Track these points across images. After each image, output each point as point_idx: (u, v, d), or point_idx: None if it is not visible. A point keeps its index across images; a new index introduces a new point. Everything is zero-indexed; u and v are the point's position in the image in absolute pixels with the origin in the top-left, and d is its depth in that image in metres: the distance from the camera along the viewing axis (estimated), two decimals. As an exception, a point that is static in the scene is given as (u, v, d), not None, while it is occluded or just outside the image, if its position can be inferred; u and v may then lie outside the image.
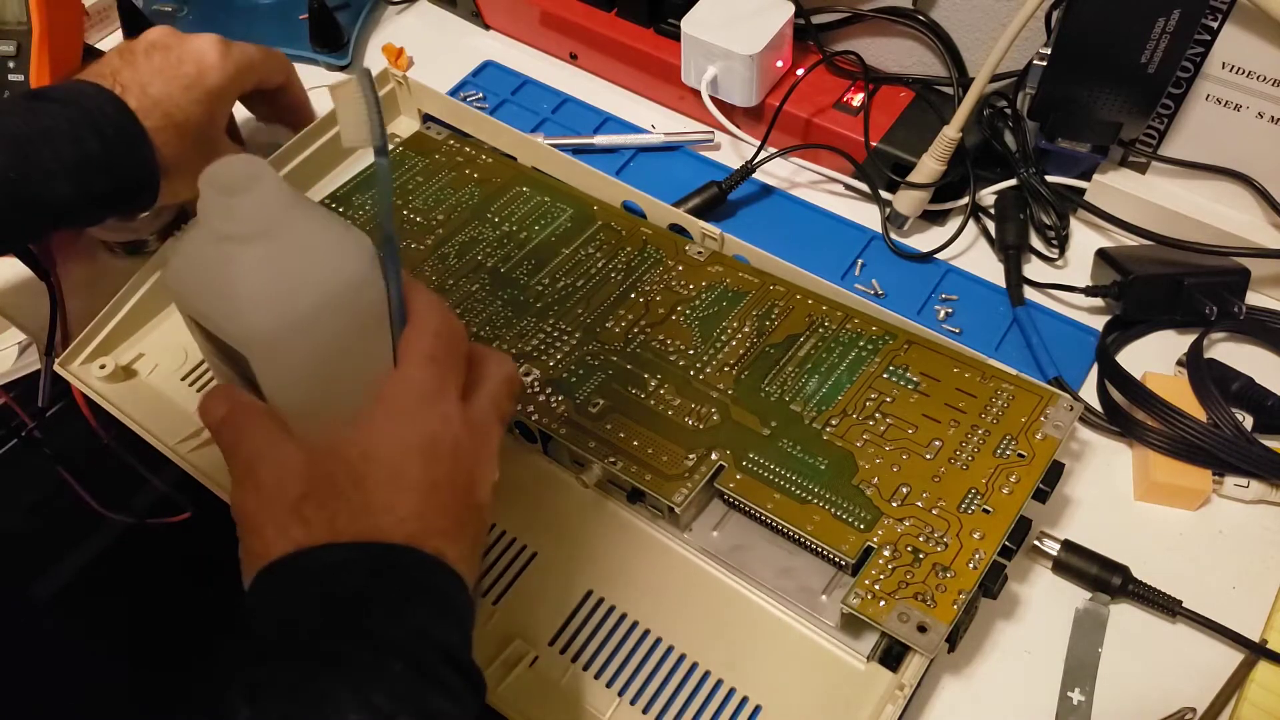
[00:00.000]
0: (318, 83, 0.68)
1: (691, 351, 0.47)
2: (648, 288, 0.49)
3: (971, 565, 0.38)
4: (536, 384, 0.45)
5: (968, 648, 0.42)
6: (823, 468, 0.42)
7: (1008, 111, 0.57)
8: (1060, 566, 0.43)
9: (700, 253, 0.51)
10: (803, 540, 0.40)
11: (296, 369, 0.36)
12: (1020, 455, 0.42)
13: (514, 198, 0.54)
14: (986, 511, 0.40)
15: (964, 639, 0.41)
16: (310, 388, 0.36)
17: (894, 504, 0.40)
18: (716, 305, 0.48)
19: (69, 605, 0.90)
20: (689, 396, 0.45)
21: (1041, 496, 0.42)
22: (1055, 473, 0.42)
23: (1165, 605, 0.42)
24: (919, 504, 0.40)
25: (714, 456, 0.43)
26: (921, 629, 0.37)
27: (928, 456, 0.42)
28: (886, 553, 0.39)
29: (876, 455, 0.42)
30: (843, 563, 0.39)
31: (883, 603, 0.37)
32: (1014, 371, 0.45)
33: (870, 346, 0.46)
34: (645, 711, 0.39)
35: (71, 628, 0.90)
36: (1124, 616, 0.43)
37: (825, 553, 0.40)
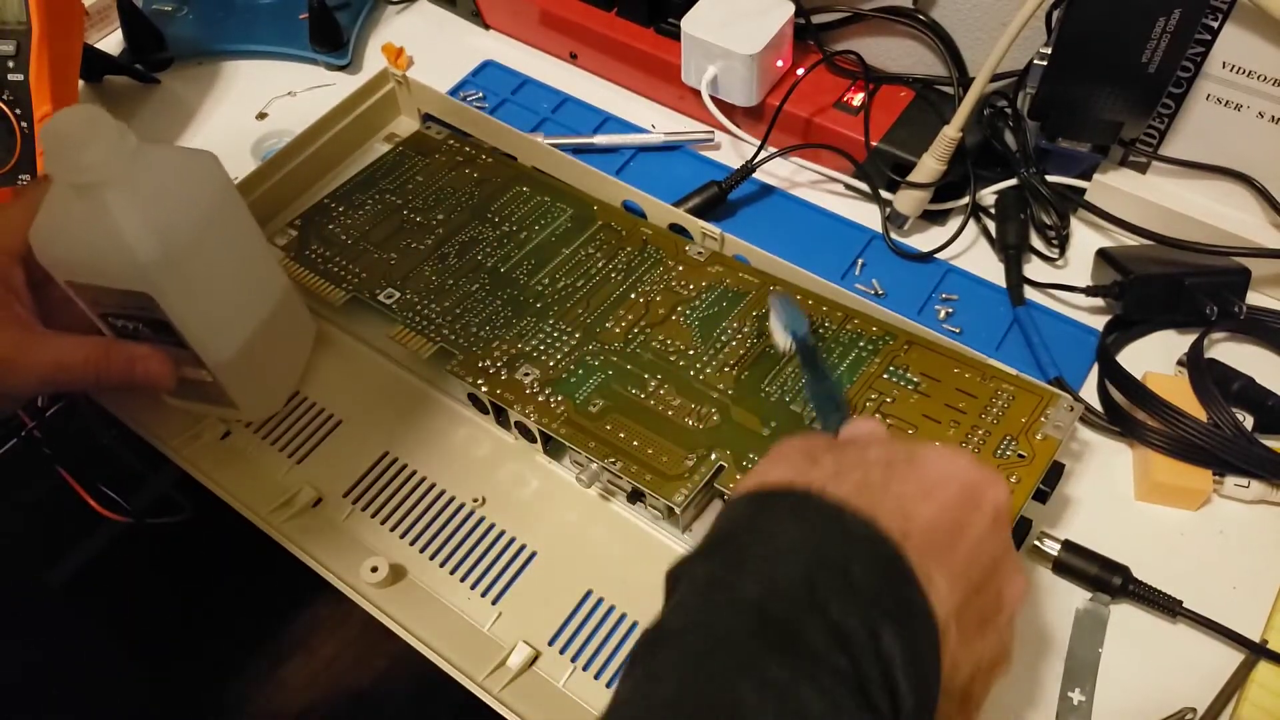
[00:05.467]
0: (318, 82, 0.68)
1: (691, 351, 0.47)
2: (648, 288, 0.49)
3: (972, 565, 0.38)
4: (536, 384, 0.45)
5: (968, 648, 0.42)
6: (823, 468, 0.42)
7: (1008, 111, 0.57)
8: (1060, 566, 0.43)
9: (700, 253, 0.51)
10: (803, 540, 0.40)
11: (196, 288, 0.38)
12: (1020, 455, 0.42)
13: (514, 198, 0.54)
14: (987, 511, 0.40)
15: (964, 639, 0.41)
16: (210, 301, 0.39)
17: (894, 504, 0.40)
18: (716, 305, 0.48)
19: (69, 604, 0.90)
20: (689, 396, 0.45)
21: (1042, 497, 0.42)
22: (1055, 473, 0.42)
23: (1165, 605, 0.42)
24: (919, 504, 0.40)
25: (714, 456, 0.43)
26: (922, 629, 0.37)
27: (928, 456, 0.42)
28: (887, 553, 0.39)
29: (877, 455, 0.42)
30: (843, 563, 0.39)
31: (883, 603, 0.37)
32: (1014, 371, 0.45)
33: (870, 346, 0.46)
34: (645, 712, 0.39)
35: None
36: (1124, 616, 0.43)
37: (825, 553, 0.40)
